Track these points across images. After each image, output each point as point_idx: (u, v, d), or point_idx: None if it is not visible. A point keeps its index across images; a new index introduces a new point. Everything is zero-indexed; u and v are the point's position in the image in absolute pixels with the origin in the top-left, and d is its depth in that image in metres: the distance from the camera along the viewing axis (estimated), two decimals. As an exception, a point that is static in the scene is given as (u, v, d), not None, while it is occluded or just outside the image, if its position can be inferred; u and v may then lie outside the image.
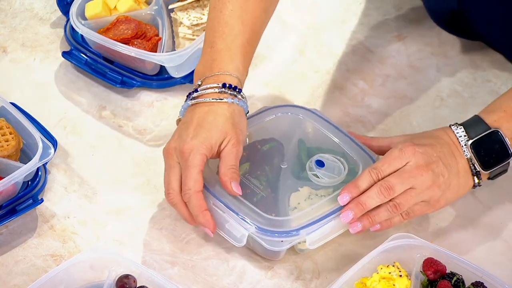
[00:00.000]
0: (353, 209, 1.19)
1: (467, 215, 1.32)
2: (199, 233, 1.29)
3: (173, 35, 1.51)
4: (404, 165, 1.19)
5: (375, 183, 1.19)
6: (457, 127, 1.23)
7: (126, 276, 1.16)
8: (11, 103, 1.36)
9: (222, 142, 1.21)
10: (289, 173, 1.27)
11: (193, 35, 1.48)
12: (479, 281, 1.16)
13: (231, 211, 1.20)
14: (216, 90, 1.23)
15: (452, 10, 1.51)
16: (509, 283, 1.16)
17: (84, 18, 1.51)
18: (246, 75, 1.29)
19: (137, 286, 1.17)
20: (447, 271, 1.18)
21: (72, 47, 1.51)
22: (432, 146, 1.21)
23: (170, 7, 1.51)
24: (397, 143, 1.23)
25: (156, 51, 1.46)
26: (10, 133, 1.31)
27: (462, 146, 1.22)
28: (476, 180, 1.23)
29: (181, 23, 1.49)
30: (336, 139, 1.30)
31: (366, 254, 1.19)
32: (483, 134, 1.22)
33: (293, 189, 1.26)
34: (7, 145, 1.29)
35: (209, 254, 1.26)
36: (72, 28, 1.50)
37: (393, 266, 1.18)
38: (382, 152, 1.26)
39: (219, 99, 1.22)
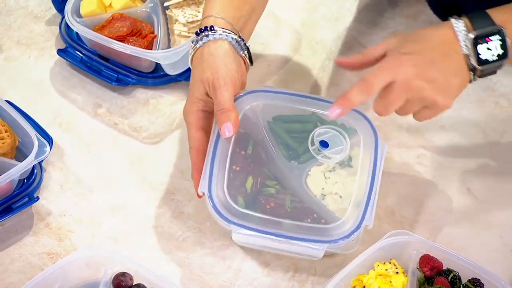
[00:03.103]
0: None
1: (463, 211, 1.32)
2: (195, 231, 1.28)
3: (169, 32, 1.51)
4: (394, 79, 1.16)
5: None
6: (458, 21, 1.18)
7: (123, 274, 1.16)
8: (6, 101, 1.35)
9: (206, 91, 1.22)
10: (287, 161, 1.24)
11: (189, 33, 1.48)
12: (476, 278, 1.16)
13: (294, 240, 1.17)
14: (193, 40, 1.26)
15: (450, 2, 1.51)
16: (505, 279, 1.16)
17: (79, 16, 1.50)
18: (241, 14, 1.28)
19: (134, 283, 1.17)
20: (443, 268, 1.18)
21: (67, 45, 1.51)
22: (422, 52, 1.17)
23: (165, 4, 1.51)
24: (390, 50, 1.19)
25: (151, 49, 1.46)
26: (6, 131, 1.30)
27: (460, 42, 1.18)
28: (472, 76, 1.19)
29: (176, 20, 1.49)
30: (298, 106, 1.27)
31: (362, 251, 1.18)
32: (486, 31, 1.18)
33: (305, 175, 1.23)
34: (3, 143, 1.29)
35: (205, 252, 1.26)
36: (67, 25, 1.50)
37: (390, 263, 1.18)
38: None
39: (193, 47, 1.25)
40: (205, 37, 1.24)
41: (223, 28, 1.24)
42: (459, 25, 1.18)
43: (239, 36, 1.25)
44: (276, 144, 1.25)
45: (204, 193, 1.18)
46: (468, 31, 1.17)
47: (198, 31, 1.24)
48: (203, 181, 1.18)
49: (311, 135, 1.24)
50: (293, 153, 1.25)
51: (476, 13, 1.19)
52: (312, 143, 1.24)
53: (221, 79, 1.20)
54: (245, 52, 1.26)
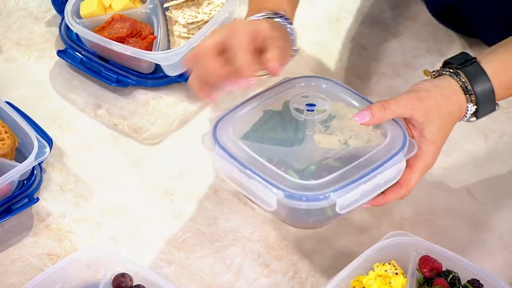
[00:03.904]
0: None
1: (463, 212, 1.32)
2: (195, 231, 1.29)
3: (168, 33, 1.51)
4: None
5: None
6: (472, 104, 1.20)
7: (122, 275, 1.16)
8: (6, 102, 1.35)
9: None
10: (295, 137, 1.22)
11: (188, 34, 1.48)
12: (475, 279, 1.16)
13: None
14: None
15: (449, 5, 1.51)
16: (504, 280, 1.16)
17: (79, 17, 1.50)
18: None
19: (133, 284, 1.17)
20: (443, 269, 1.18)
21: (67, 46, 1.51)
22: (443, 139, 1.21)
23: (165, 5, 1.51)
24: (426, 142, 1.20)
25: (151, 50, 1.46)
26: (6, 132, 1.31)
27: (466, 116, 1.21)
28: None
29: (176, 21, 1.49)
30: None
31: (362, 252, 1.18)
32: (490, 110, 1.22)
33: (315, 145, 1.21)
34: (3, 144, 1.29)
35: (205, 253, 1.26)
36: (67, 26, 1.50)
37: (389, 264, 1.18)
38: None
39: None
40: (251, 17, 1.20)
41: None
42: (473, 108, 1.20)
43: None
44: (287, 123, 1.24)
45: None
46: (472, 102, 1.20)
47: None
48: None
49: (290, 106, 1.22)
50: (290, 140, 1.22)
51: (483, 92, 1.20)
52: (300, 111, 1.21)
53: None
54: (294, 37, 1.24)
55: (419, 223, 1.30)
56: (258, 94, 1.25)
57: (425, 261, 1.18)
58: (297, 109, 1.22)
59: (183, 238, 1.28)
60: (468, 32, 1.57)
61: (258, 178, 1.12)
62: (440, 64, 1.24)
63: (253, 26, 1.14)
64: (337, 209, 1.11)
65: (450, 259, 1.18)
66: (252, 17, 1.20)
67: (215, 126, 1.19)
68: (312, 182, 1.12)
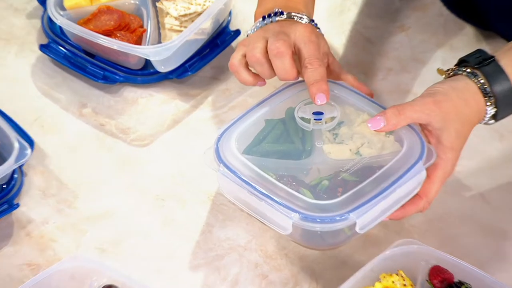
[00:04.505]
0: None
1: (476, 218, 1.32)
2: (188, 240, 1.28)
3: (159, 26, 1.51)
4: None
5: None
6: (492, 107, 1.21)
7: (109, 286, 1.16)
8: (-16, 100, 1.36)
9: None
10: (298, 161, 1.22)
11: (181, 27, 1.48)
12: (490, 291, 1.16)
13: None
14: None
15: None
16: (521, 292, 1.16)
17: (63, 8, 1.50)
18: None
19: (121, 297, 1.17)
20: (455, 280, 1.18)
21: (50, 40, 1.51)
22: (462, 146, 1.22)
23: (156, -4, 1.52)
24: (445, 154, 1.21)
25: (140, 44, 1.46)
26: (-17, 133, 1.30)
27: (485, 119, 1.23)
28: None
29: (167, 13, 1.49)
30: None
31: (367, 261, 1.18)
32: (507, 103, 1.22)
33: (324, 156, 1.21)
34: (-20, 146, 1.29)
35: (199, 263, 1.26)
36: (49, 19, 1.50)
37: (397, 274, 1.18)
38: None
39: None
40: (275, 16, 1.27)
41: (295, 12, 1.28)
42: (492, 111, 1.21)
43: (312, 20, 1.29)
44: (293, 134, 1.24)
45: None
46: (492, 105, 1.21)
47: (266, 16, 1.27)
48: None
49: (296, 115, 1.22)
50: (298, 152, 1.23)
51: (497, 79, 1.20)
52: (307, 121, 1.22)
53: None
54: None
55: (429, 231, 1.30)
56: (260, 103, 1.26)
57: (435, 271, 1.18)
58: (303, 119, 1.22)
59: (175, 246, 1.28)
60: (482, 24, 1.57)
61: (270, 200, 1.12)
62: (451, 59, 1.25)
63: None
64: (357, 229, 1.12)
65: (462, 269, 1.18)
66: (295, 14, 1.26)
67: (218, 141, 1.19)
68: (329, 202, 1.12)
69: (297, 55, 1.24)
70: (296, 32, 1.23)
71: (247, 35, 1.29)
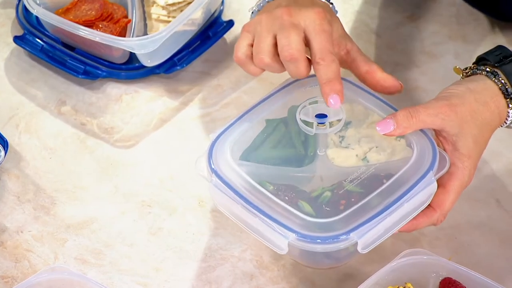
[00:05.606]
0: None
1: (491, 226, 1.32)
2: (176, 250, 1.29)
3: (145, 16, 1.51)
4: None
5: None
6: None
7: (91, 301, 1.17)
8: (-47, 97, 1.36)
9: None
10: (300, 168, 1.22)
11: (169, 17, 1.48)
12: (506, 305, 1.17)
13: None
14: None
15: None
16: (540, 307, 1.17)
17: (40, -3, 1.50)
18: None
19: (104, 312, 1.17)
20: (467, 293, 1.19)
21: (26, 31, 1.51)
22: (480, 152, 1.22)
23: (141, -17, 1.52)
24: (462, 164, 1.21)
25: (124, 36, 1.46)
26: (-47, 133, 1.31)
27: (506, 122, 1.24)
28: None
29: (154, 2, 1.49)
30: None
31: (372, 273, 1.18)
32: None
33: (329, 162, 1.21)
34: (-51, 147, 1.30)
35: (188, 275, 1.27)
36: (25, 8, 1.50)
37: (404, 287, 1.19)
38: None
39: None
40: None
41: None
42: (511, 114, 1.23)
43: None
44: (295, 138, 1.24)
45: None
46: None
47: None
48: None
49: (297, 117, 1.22)
50: (300, 158, 1.23)
51: None
52: (309, 125, 1.21)
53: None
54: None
55: (440, 240, 1.31)
56: (259, 103, 1.25)
57: (447, 284, 1.18)
58: (306, 122, 1.21)
59: (162, 257, 1.29)
60: (497, 14, 1.57)
61: (265, 217, 1.13)
62: (464, 52, 1.25)
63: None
64: (359, 249, 1.12)
65: (476, 281, 1.18)
66: None
67: (211, 148, 1.19)
68: (328, 220, 1.12)
69: (307, 46, 1.20)
70: (306, 19, 1.19)
71: (252, 14, 1.27)
